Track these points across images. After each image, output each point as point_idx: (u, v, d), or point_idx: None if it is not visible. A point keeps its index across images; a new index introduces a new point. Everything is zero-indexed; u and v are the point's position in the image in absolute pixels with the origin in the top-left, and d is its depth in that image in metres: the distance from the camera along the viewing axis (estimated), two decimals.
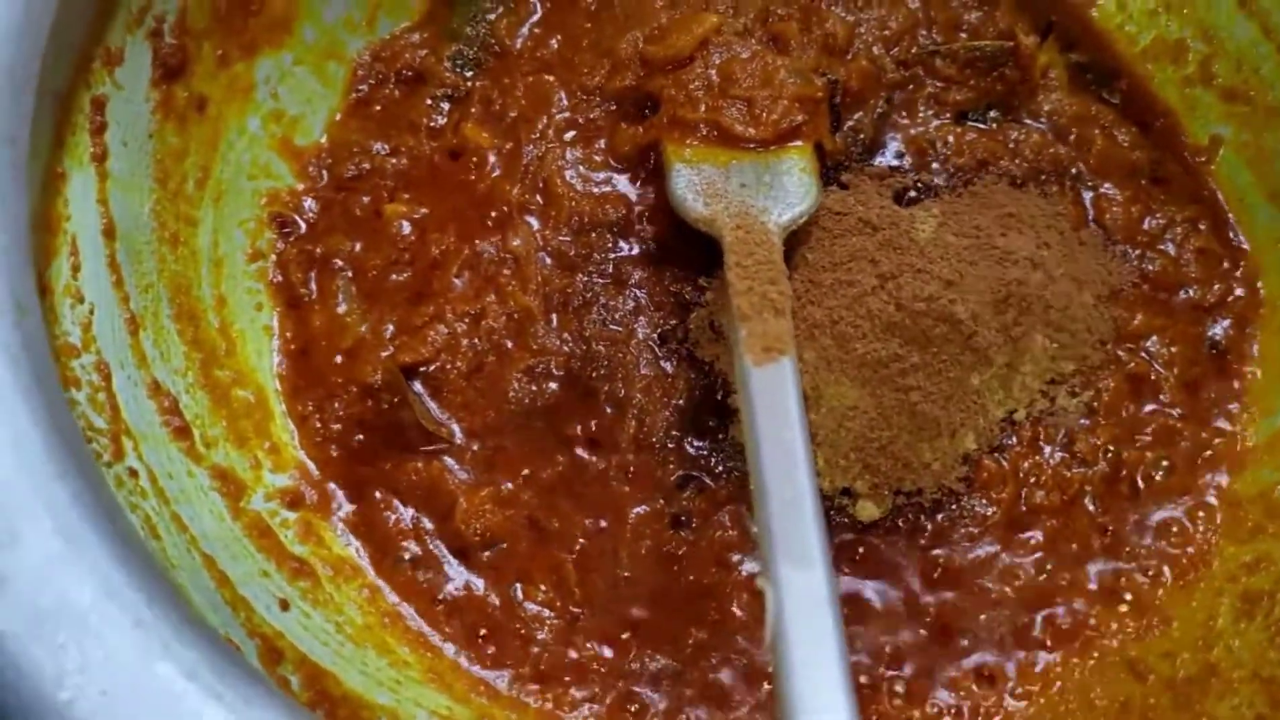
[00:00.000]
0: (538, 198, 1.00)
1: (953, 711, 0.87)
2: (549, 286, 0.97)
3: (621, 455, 0.93)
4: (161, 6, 0.90)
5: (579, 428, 0.94)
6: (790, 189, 0.92)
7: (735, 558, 0.90)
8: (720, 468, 0.93)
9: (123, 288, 0.86)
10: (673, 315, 0.96)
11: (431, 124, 1.04)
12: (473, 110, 1.04)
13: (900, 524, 0.91)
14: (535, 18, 1.06)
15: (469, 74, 1.05)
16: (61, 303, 0.80)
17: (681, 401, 0.94)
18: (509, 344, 0.95)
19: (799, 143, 0.94)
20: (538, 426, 0.94)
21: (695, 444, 0.93)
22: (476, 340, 0.95)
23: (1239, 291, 0.97)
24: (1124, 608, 0.89)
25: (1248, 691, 0.80)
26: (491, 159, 1.02)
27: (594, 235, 0.98)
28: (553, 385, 0.94)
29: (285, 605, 0.84)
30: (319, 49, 1.03)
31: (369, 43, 1.05)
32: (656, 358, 0.95)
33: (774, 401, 0.76)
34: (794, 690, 0.62)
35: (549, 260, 0.98)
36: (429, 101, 1.04)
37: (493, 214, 1.00)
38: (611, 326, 0.96)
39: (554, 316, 0.96)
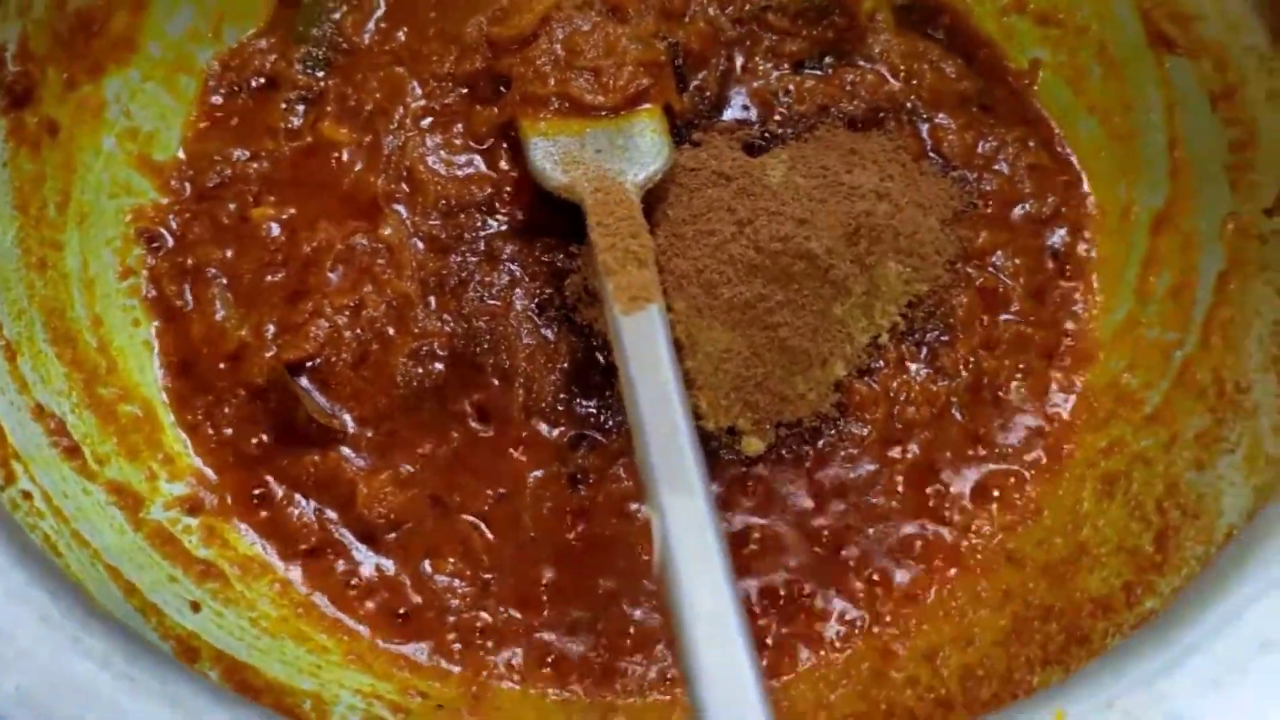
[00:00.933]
0: (403, 186, 1.02)
1: (852, 619, 0.92)
2: (424, 270, 0.99)
3: (513, 424, 0.96)
4: (1, 36, 0.90)
5: (469, 402, 0.97)
6: (644, 149, 0.96)
7: (634, 506, 0.94)
8: (610, 423, 0.96)
9: None
10: (548, 284, 0.99)
11: (288, 126, 1.05)
12: (328, 109, 1.05)
13: (785, 454, 0.96)
14: (380, 12, 1.09)
15: (320, 74, 1.07)
16: None
17: (566, 365, 0.97)
18: (391, 331, 0.97)
19: (647, 105, 0.98)
20: (429, 406, 0.96)
21: (583, 404, 0.97)
22: (359, 330, 0.97)
23: (1071, 201, 1.03)
24: (997, 505, 0.95)
25: (1114, 563, 0.86)
26: (350, 155, 1.03)
27: (463, 216, 1.01)
28: (438, 365, 0.97)
29: (196, 607, 0.85)
30: (167, 63, 1.04)
31: (217, 52, 1.07)
32: (537, 326, 0.98)
33: (645, 347, 0.80)
34: (684, 602, 0.65)
35: (421, 245, 1.00)
36: (284, 105, 1.06)
37: (360, 207, 1.02)
38: (489, 301, 0.99)
39: (432, 299, 0.99)
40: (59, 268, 0.94)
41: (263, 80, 1.06)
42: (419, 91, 1.06)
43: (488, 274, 1.00)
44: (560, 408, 0.96)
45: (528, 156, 0.97)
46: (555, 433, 0.96)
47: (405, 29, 1.08)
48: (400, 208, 1.01)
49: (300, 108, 1.06)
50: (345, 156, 1.03)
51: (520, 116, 0.99)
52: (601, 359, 0.97)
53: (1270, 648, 0.66)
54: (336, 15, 1.08)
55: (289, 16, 1.08)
